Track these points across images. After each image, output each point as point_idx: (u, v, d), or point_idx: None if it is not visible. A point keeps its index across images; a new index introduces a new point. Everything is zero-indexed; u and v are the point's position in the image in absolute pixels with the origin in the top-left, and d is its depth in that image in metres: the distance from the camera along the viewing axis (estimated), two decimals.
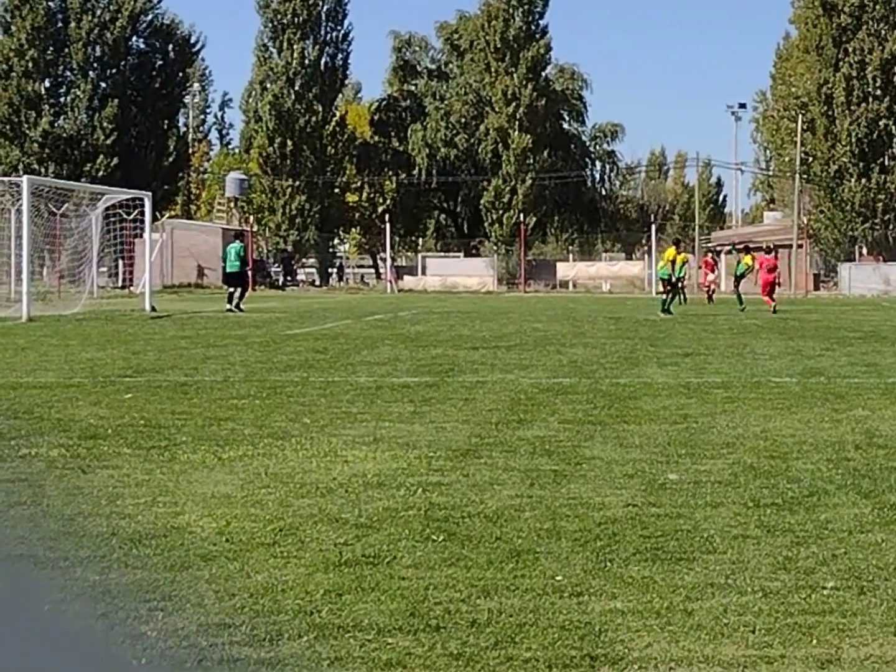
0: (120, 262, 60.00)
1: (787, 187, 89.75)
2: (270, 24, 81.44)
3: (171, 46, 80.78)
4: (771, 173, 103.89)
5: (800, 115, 75.60)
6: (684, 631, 5.35)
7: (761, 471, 9.36)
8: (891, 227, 72.07)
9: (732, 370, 18.17)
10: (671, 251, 40.80)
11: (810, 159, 75.63)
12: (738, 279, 41.73)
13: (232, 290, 39.86)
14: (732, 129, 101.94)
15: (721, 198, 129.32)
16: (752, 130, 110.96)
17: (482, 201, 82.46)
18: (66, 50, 76.18)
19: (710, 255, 54.50)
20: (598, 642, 5.20)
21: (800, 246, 71.27)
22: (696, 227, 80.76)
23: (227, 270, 40.40)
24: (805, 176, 75.91)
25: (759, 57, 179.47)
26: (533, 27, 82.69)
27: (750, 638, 5.28)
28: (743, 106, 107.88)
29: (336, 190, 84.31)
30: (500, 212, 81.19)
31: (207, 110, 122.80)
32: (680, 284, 47.04)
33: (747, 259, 41.84)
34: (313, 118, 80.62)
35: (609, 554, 6.69)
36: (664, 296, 38.91)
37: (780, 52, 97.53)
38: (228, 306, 38.96)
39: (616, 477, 9.06)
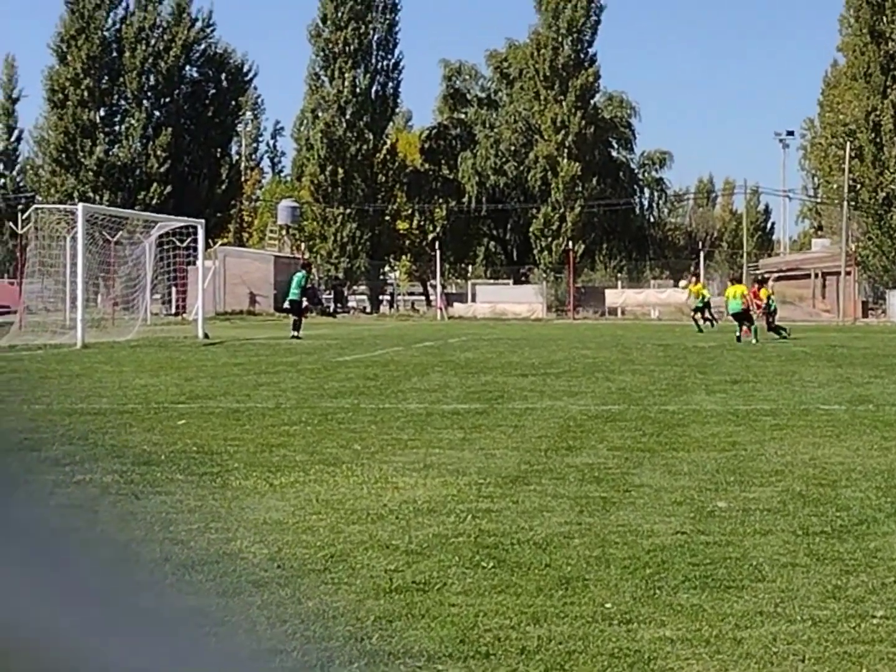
0: (173, 289, 60.44)
1: (835, 214, 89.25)
2: (322, 53, 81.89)
3: (223, 75, 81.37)
4: (819, 200, 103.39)
5: (848, 143, 75.21)
6: (734, 659, 5.36)
7: (810, 499, 9.33)
8: None
9: (781, 397, 18.11)
10: (742, 288, 40.54)
11: (858, 186, 75.18)
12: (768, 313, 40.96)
13: (295, 317, 40.00)
14: (780, 157, 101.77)
15: (769, 225, 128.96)
16: (800, 158, 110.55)
17: (531, 229, 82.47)
18: (121, 79, 76.90)
19: (759, 283, 53.19)
20: (647, 670, 5.21)
21: (848, 273, 70.84)
22: (744, 255, 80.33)
23: (289, 298, 40.53)
24: (853, 203, 75.46)
25: (807, 84, 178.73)
26: (582, 55, 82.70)
27: (799, 667, 5.27)
28: (791, 133, 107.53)
29: (387, 217, 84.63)
30: (549, 239, 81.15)
31: (260, 139, 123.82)
32: (706, 312, 47.27)
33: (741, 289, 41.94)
34: (364, 146, 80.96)
35: (658, 581, 6.70)
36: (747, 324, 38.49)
37: (827, 80, 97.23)
38: (294, 333, 39.07)
39: (665, 504, 9.06)
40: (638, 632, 5.75)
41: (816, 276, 78.49)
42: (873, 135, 72.13)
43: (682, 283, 57.48)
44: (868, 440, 12.99)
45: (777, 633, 5.73)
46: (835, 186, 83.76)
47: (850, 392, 19.11)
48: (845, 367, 25.50)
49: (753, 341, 36.61)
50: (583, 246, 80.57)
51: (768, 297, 41.35)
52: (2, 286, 68.02)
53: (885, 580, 6.79)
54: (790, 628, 5.82)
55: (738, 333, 37.13)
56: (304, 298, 40.90)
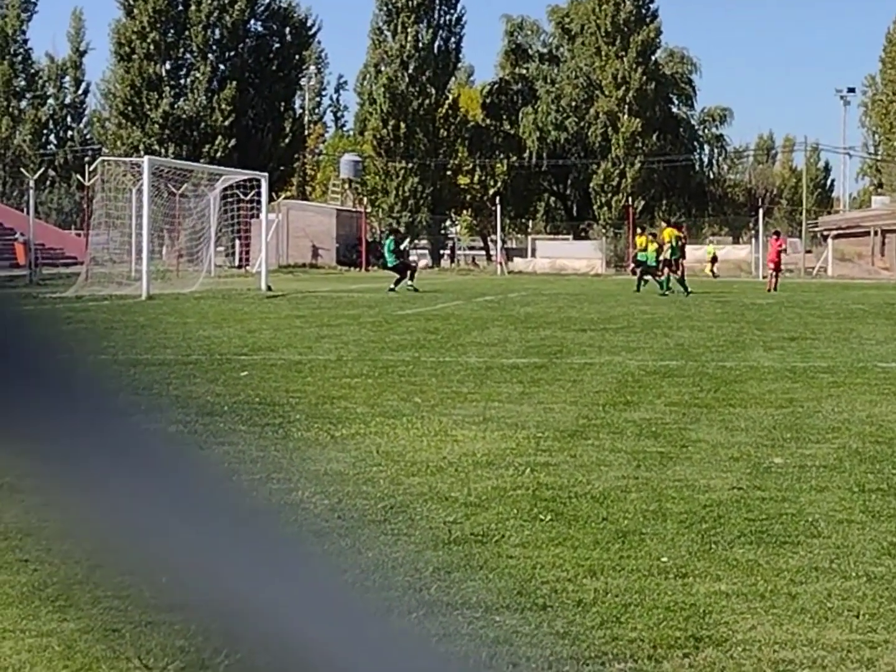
0: (237, 241, 60.71)
1: (895, 171, 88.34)
2: (385, 8, 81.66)
3: (287, 29, 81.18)
4: (879, 157, 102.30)
5: None
6: (788, 614, 5.40)
7: (867, 456, 9.34)
8: None
9: (839, 355, 18.03)
10: (671, 230, 40.59)
11: None
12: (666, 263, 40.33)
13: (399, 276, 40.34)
14: (841, 114, 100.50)
15: (829, 182, 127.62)
16: (860, 114, 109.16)
17: (591, 184, 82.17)
18: (186, 32, 76.92)
19: (775, 236, 50.55)
20: (702, 624, 5.26)
21: None
22: (804, 212, 79.68)
23: (388, 265, 41.18)
24: None
25: (869, 41, 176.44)
26: (643, 11, 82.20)
27: (854, 622, 5.31)
28: (852, 90, 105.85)
29: (448, 172, 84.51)
30: (609, 195, 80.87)
31: (323, 93, 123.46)
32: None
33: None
34: (426, 101, 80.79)
35: (714, 536, 6.75)
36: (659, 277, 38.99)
37: (890, 36, 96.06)
38: (409, 283, 39.62)
39: (721, 460, 9.09)
40: (693, 586, 5.81)
41: (876, 233, 77.54)
42: None
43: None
44: None
45: (832, 589, 5.77)
46: (895, 143, 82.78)
47: None
48: None
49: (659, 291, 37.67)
50: (642, 202, 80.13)
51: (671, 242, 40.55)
52: (69, 237, 68.56)
53: None
54: (845, 584, 5.86)
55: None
56: (400, 260, 41.11)
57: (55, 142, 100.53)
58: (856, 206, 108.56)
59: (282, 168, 78.51)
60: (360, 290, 40.02)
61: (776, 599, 5.60)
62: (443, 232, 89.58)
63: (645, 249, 41.30)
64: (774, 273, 45.14)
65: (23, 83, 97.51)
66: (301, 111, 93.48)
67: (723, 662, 4.82)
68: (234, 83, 75.75)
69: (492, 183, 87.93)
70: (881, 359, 17.48)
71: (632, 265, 44.00)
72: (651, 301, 35.13)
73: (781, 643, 5.03)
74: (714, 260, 64.15)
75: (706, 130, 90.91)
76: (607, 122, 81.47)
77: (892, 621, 5.33)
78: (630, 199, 76.91)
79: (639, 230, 49.38)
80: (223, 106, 75.48)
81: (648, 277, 40.32)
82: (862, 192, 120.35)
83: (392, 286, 39.07)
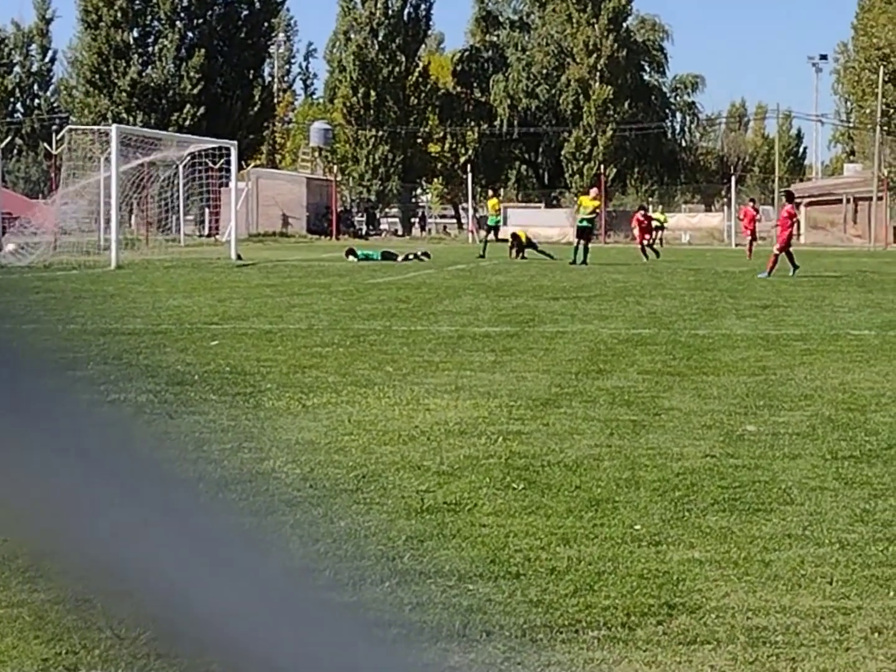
0: (206, 210, 60.51)
1: (867, 139, 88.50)
2: None
3: None
4: (852, 125, 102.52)
5: (881, 67, 74.31)
6: (762, 581, 5.40)
7: (839, 423, 9.35)
8: None
9: (811, 322, 18.09)
10: (587, 199, 40.07)
11: (891, 111, 74.34)
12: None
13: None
14: (813, 81, 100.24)
15: (801, 150, 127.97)
16: (833, 82, 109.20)
17: (563, 152, 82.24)
18: (154, 0, 76.51)
19: (751, 204, 49.86)
20: (675, 591, 5.25)
21: (880, 198, 70.23)
22: (776, 180, 79.84)
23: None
24: (886, 128, 74.64)
25: (841, 8, 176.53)
26: None
27: (827, 589, 5.31)
28: (824, 57, 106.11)
29: (419, 140, 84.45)
30: (581, 163, 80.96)
31: (292, 60, 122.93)
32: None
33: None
34: (396, 69, 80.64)
35: (687, 504, 6.74)
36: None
37: (862, 3, 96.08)
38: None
39: (694, 428, 9.09)
40: (667, 553, 5.80)
41: (848, 201, 77.85)
42: None
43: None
44: None
45: (805, 556, 5.77)
46: (868, 111, 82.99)
47: (880, 317, 19.07)
48: (876, 292, 25.42)
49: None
50: (614, 170, 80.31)
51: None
52: (37, 207, 68.06)
53: None
54: (818, 551, 5.86)
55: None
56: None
57: (22, 110, 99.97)
58: (828, 174, 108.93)
59: (251, 136, 78.20)
60: (330, 258, 39.92)
61: (749, 567, 5.60)
62: (413, 200, 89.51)
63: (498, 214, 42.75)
64: (750, 241, 45.16)
65: None
66: (270, 79, 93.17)
67: (696, 629, 4.81)
68: (203, 51, 75.35)
69: (463, 151, 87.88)
70: (853, 326, 17.54)
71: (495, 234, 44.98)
72: (623, 270, 35.15)
73: (755, 610, 5.03)
74: (660, 228, 60.61)
75: (678, 98, 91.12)
76: (578, 90, 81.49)
77: (865, 588, 5.34)
78: (602, 166, 77.01)
79: (490, 192, 49.62)
80: (191, 74, 75.09)
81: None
82: (834, 159, 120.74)
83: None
